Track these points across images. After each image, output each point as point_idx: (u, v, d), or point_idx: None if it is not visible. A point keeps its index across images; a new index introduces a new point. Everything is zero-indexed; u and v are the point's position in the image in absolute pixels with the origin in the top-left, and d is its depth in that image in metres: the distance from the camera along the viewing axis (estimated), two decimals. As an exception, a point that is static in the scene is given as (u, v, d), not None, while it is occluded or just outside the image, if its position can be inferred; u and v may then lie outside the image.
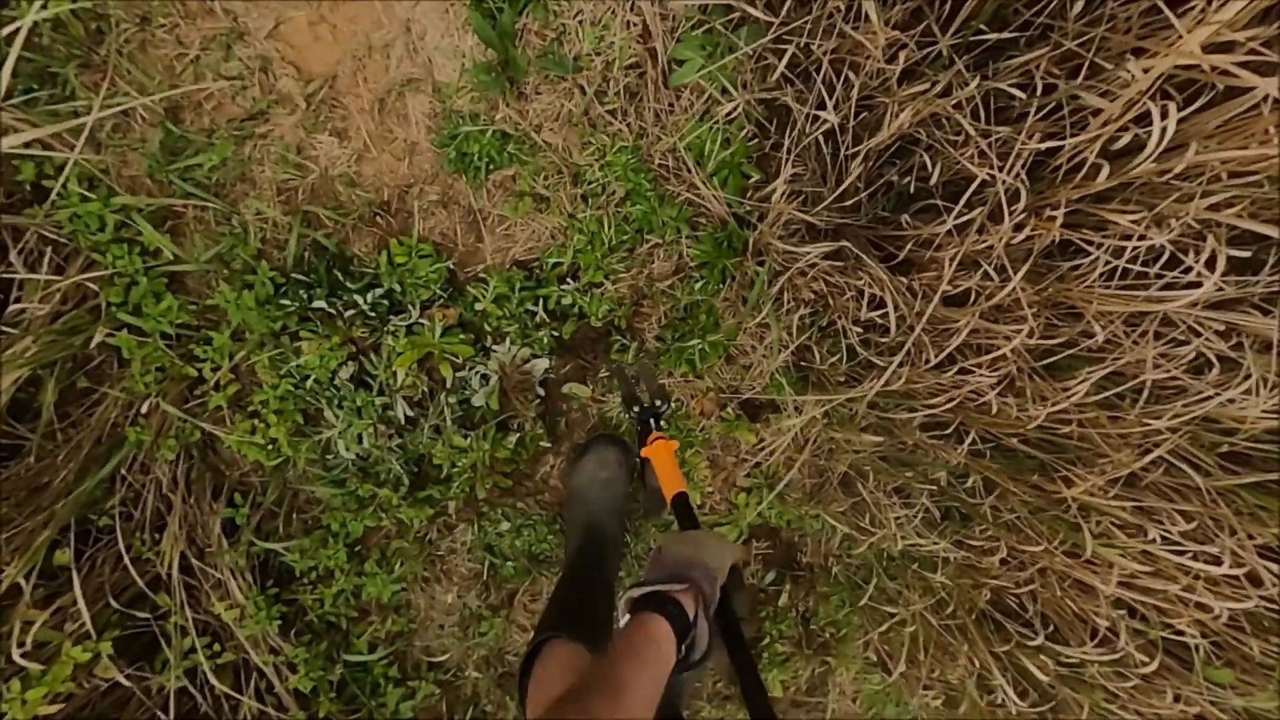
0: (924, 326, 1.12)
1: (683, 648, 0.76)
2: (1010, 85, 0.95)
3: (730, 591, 0.85)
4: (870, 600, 1.45)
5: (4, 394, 1.17)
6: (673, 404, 1.37)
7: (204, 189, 1.30)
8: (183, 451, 1.38)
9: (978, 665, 1.37)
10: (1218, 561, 1.11)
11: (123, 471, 1.29)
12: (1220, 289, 1.00)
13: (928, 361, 1.12)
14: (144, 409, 1.29)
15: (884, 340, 1.14)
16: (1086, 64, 0.89)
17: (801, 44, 1.04)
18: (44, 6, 1.15)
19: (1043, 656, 1.27)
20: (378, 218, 1.39)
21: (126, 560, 1.28)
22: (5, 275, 1.24)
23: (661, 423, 1.32)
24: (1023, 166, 0.99)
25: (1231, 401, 1.04)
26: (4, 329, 1.22)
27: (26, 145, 1.17)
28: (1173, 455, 1.13)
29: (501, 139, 1.32)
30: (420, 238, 1.38)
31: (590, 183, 1.31)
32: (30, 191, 1.27)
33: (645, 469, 1.31)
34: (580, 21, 1.23)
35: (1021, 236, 1.03)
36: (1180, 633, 1.22)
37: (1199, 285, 0.98)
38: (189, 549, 1.38)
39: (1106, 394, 1.08)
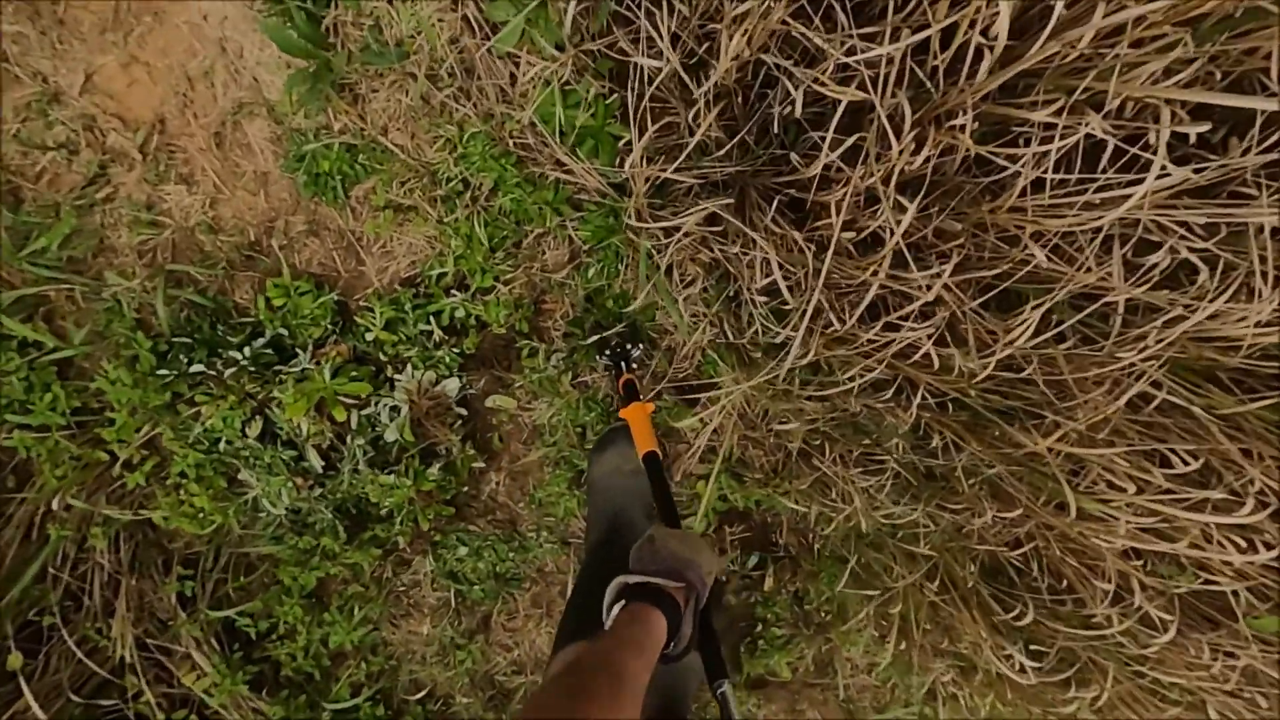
0: (827, 283, 0.94)
1: (670, 643, 0.76)
2: (858, -25, 0.74)
3: (710, 604, 0.83)
4: (856, 578, 1.30)
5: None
6: (643, 347, 1.27)
7: (60, 269, 1.23)
8: (119, 534, 1.35)
9: (984, 636, 1.21)
10: (1239, 503, 0.91)
11: (52, 569, 1.28)
12: (1187, 178, 0.78)
13: (842, 322, 0.94)
14: (55, 504, 1.25)
15: (789, 307, 0.96)
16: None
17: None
18: None
19: (1034, 626, 1.11)
20: (251, 259, 1.29)
21: (78, 653, 1.28)
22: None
23: (632, 364, 1.26)
24: (904, 65, 0.79)
25: (1220, 315, 0.83)
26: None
27: None
28: (1167, 391, 0.92)
29: (348, 151, 1.18)
30: (296, 273, 1.28)
31: (449, 180, 1.16)
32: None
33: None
34: (391, 1, 1.06)
35: (922, 157, 0.83)
36: (1212, 581, 1.03)
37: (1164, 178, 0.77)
38: (150, 627, 1.37)
39: (1058, 327, 0.88)
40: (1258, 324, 0.79)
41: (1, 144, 1.18)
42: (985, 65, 0.70)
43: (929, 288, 0.88)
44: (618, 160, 1.10)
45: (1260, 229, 0.81)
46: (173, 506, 1.32)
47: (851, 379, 1.03)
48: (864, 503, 1.20)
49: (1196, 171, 0.78)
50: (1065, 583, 1.20)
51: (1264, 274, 0.80)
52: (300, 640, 1.42)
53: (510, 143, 1.13)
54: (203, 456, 1.29)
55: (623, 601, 0.78)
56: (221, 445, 1.29)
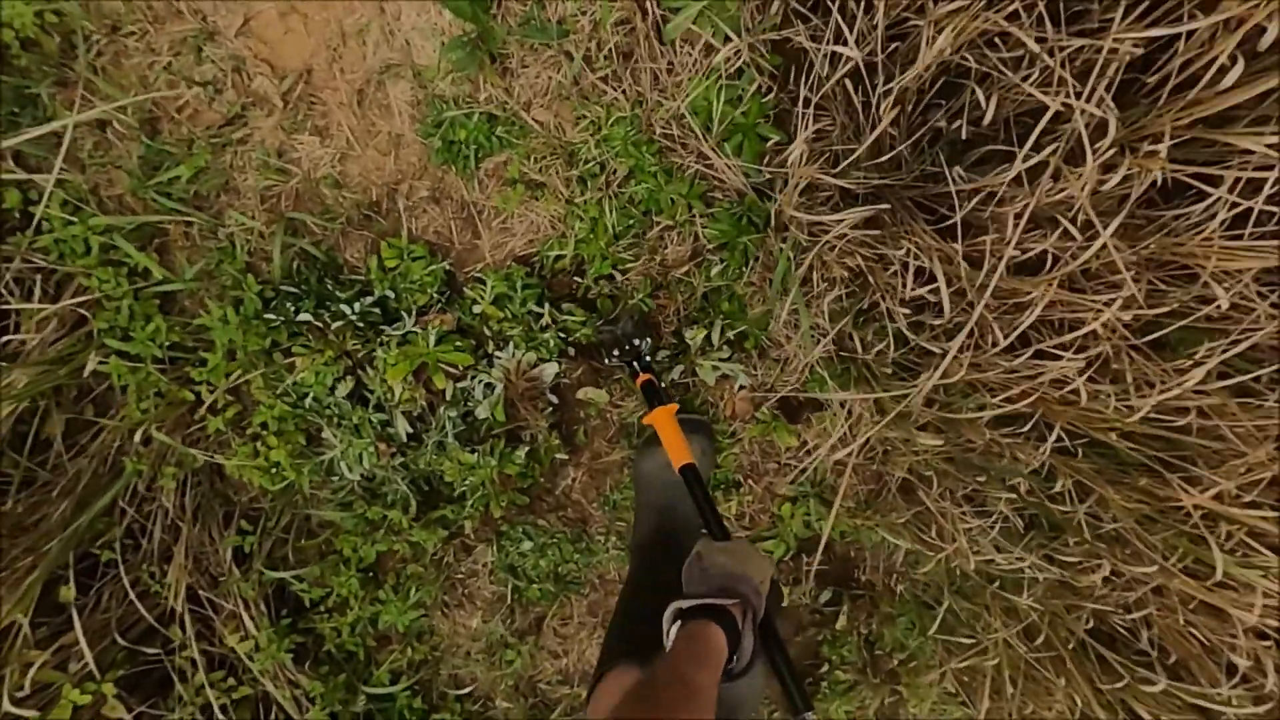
0: (987, 302, 0.91)
1: (732, 658, 0.77)
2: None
3: (771, 610, 0.84)
4: (943, 625, 1.24)
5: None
6: (650, 340, 1.23)
7: (185, 203, 1.23)
8: (188, 478, 1.32)
9: (1079, 703, 1.14)
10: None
11: (121, 503, 1.24)
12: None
13: (994, 345, 0.91)
14: (138, 437, 1.23)
15: (938, 322, 0.93)
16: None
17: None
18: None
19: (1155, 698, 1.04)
20: (368, 219, 1.28)
21: (132, 595, 1.23)
22: (-2, 306, 1.21)
23: (648, 360, 1.22)
24: (1108, 88, 0.77)
25: None
26: (-2, 362, 1.19)
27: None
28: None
29: (488, 122, 1.18)
30: (412, 238, 1.27)
31: (586, 162, 1.16)
32: (19, 219, 1.23)
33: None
34: (561, -23, 1.08)
35: (1114, 180, 0.81)
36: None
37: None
38: (200, 579, 1.32)
39: (1236, 378, 0.84)
40: None
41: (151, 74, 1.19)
42: (1232, 76, 0.67)
43: (1099, 313, 0.85)
44: (764, 159, 1.09)
45: None
46: (248, 457, 1.29)
47: (983, 408, 1.00)
48: (966, 544, 1.15)
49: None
50: (1173, 658, 1.13)
51: None
52: (350, 615, 1.36)
53: (655, 131, 1.12)
54: (288, 410, 1.26)
55: (678, 622, 0.79)
56: (308, 401, 1.27)
